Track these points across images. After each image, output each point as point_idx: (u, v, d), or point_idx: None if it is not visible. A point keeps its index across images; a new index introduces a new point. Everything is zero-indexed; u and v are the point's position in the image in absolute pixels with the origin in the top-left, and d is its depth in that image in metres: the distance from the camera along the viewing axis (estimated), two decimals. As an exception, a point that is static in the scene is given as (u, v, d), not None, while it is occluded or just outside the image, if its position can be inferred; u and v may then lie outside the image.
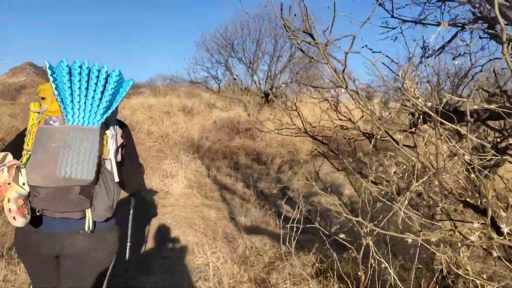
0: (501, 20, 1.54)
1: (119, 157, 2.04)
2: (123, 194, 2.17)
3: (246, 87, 14.52)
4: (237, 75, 14.03)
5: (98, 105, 1.86)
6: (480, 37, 3.82)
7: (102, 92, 1.87)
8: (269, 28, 13.56)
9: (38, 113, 1.90)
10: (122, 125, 2.11)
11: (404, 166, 4.84)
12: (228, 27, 13.61)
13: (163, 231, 4.86)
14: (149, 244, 4.44)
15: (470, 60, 4.37)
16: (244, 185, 7.77)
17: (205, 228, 5.00)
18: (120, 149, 2.05)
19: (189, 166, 8.60)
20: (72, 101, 1.83)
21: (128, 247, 2.31)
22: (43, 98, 1.95)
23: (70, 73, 1.84)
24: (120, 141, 2.02)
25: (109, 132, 1.95)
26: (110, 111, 1.90)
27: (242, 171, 9.41)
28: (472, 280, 2.36)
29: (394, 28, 4.02)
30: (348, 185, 8.62)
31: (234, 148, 11.05)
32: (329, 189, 7.76)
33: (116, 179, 1.96)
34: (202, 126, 12.31)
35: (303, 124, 4.60)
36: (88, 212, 1.89)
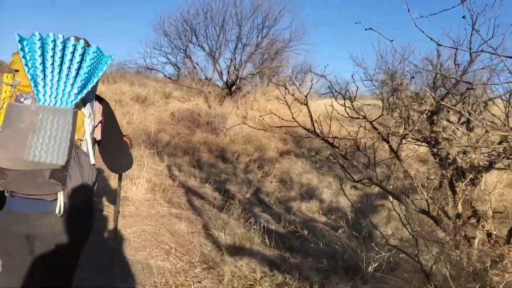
0: None
1: (98, 136, 1.96)
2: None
3: (207, 76, 13.46)
4: (197, 63, 12.98)
5: (72, 84, 1.75)
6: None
7: (77, 70, 1.75)
8: (234, 14, 12.58)
9: (11, 86, 1.80)
10: (100, 100, 1.99)
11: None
12: (190, 10, 12.49)
13: (123, 253, 3.83)
14: (104, 275, 3.39)
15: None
16: (213, 188, 6.82)
17: (177, 248, 4.03)
18: (100, 125, 1.96)
19: (148, 164, 7.52)
20: (43, 78, 1.71)
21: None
22: (16, 71, 1.82)
23: (42, 47, 1.70)
24: (99, 118, 1.93)
25: (86, 111, 1.85)
26: (85, 91, 1.78)
27: (207, 170, 8.44)
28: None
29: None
30: (324, 187, 7.90)
31: (196, 143, 10.03)
32: (304, 193, 6.95)
33: (92, 162, 1.87)
34: (158, 118, 11.17)
35: (313, 124, 3.74)
36: (60, 195, 1.79)
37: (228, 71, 13.33)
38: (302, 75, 15.99)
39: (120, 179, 2.82)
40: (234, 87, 12.97)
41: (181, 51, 12.50)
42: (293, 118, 4.07)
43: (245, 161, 9.60)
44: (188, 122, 11.31)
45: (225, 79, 13.25)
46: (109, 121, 2.01)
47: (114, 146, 2.08)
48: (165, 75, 12.39)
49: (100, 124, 1.95)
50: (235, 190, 7.20)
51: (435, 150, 3.86)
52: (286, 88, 4.04)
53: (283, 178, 8.10)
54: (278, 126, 4.18)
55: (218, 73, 13.18)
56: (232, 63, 13.17)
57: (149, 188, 5.70)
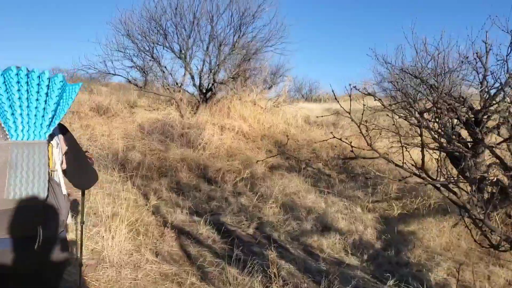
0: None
1: (64, 165, 1.98)
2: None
3: (177, 81, 11.98)
4: (165, 67, 11.46)
5: (43, 116, 1.76)
6: None
7: (46, 101, 1.76)
8: (206, 10, 11.18)
9: None
10: (62, 129, 2.01)
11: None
12: (157, 6, 10.94)
13: None
14: None
15: None
16: (205, 223, 5.44)
17: None
18: (65, 154, 1.98)
19: (121, 195, 6.09)
20: (12, 114, 1.69)
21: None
22: None
23: (4, 82, 1.69)
24: (64, 148, 1.95)
25: (54, 141, 1.87)
26: (57, 121, 1.81)
27: (191, 196, 7.06)
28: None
29: None
30: (335, 212, 6.69)
31: (173, 161, 8.59)
32: (317, 223, 5.70)
33: (64, 192, 1.88)
34: (125, 132, 9.64)
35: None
36: (39, 230, 1.73)
37: (200, 75, 11.91)
38: (280, 77, 14.74)
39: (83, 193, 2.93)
40: (209, 93, 11.56)
41: (147, 53, 10.99)
42: (368, 145, 3.00)
43: (231, 180, 8.26)
44: (160, 136, 9.84)
45: (198, 84, 11.81)
46: (72, 147, 1.99)
47: (79, 169, 2.06)
48: (130, 81, 10.84)
49: (65, 153, 1.95)
50: (232, 223, 5.87)
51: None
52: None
53: (284, 202, 6.82)
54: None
55: (191, 77, 11.73)
56: (205, 65, 11.78)
57: (129, 236, 4.27)
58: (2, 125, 1.69)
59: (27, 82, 1.70)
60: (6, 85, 1.67)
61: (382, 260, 4.95)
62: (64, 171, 1.96)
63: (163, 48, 11.33)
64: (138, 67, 10.74)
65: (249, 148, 10.46)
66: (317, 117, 11.24)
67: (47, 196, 1.72)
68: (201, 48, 11.76)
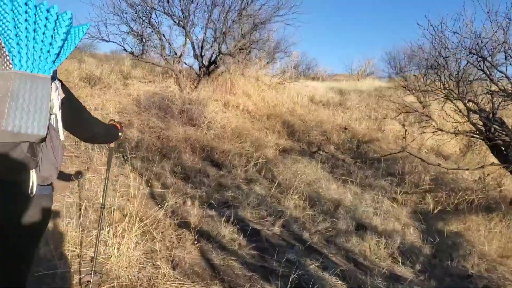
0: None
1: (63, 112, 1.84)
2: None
3: (176, 52, 10.92)
4: (163, 35, 10.38)
5: (49, 51, 1.65)
6: None
7: (52, 37, 1.65)
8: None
9: None
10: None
11: None
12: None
13: None
14: None
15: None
16: (225, 221, 4.57)
17: None
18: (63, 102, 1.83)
19: (119, 180, 5.23)
20: (18, 43, 1.58)
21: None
22: None
23: (12, 10, 1.58)
24: (62, 95, 1.80)
25: (53, 84, 1.72)
26: (63, 58, 1.72)
27: (198, 182, 6.19)
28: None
29: None
30: (364, 206, 5.88)
31: (174, 140, 7.67)
32: (350, 221, 4.89)
33: (62, 137, 1.80)
34: (119, 106, 8.65)
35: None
36: (33, 174, 1.70)
37: (202, 45, 10.86)
38: (280, 52, 13.71)
39: (109, 160, 2.92)
40: (212, 66, 10.52)
41: (146, 19, 9.88)
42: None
43: (241, 164, 7.39)
44: (159, 111, 8.87)
45: (199, 55, 10.76)
46: (71, 95, 1.88)
47: (84, 117, 1.99)
48: (125, 49, 9.76)
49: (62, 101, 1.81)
50: (253, 219, 5.02)
51: None
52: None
53: (306, 193, 5.97)
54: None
55: (192, 47, 10.67)
56: (208, 34, 10.71)
57: (139, 243, 3.39)
58: (6, 53, 1.57)
59: (35, 14, 1.61)
60: (14, 12, 1.57)
61: (440, 272, 4.16)
62: (65, 117, 1.82)
63: (163, 14, 10.20)
64: (135, 34, 9.64)
65: (256, 128, 9.56)
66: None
67: (47, 134, 1.63)
68: (203, 16, 10.67)
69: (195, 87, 10.64)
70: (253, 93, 11.81)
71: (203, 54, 10.77)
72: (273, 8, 10.24)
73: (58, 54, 1.68)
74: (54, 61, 1.67)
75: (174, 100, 9.49)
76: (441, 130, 6.95)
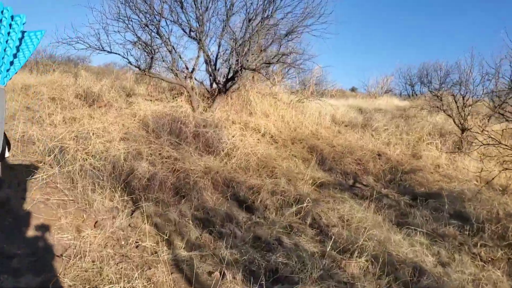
0: None
1: None
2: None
3: (188, 66, 9.60)
4: (173, 47, 9.05)
5: (3, 58, 1.51)
6: None
7: (7, 41, 1.51)
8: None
9: None
10: None
11: None
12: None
13: None
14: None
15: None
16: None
17: None
18: None
19: (129, 237, 3.87)
20: None
21: None
22: None
23: None
24: None
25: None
26: (17, 68, 1.62)
27: (229, 234, 4.82)
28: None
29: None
30: (454, 272, 4.51)
31: (192, 173, 6.29)
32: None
33: None
34: (124, 129, 7.27)
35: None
36: None
37: (216, 58, 9.54)
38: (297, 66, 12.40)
39: None
40: (230, 82, 9.17)
41: (153, 27, 8.56)
42: None
43: (276, 206, 6.03)
44: (170, 136, 7.50)
45: (213, 69, 9.43)
46: None
47: None
48: (130, 62, 8.42)
49: None
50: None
51: None
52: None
53: (373, 254, 4.59)
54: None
55: (207, 61, 9.35)
56: (223, 47, 9.41)
57: None
58: None
59: None
60: None
61: None
62: None
63: (173, 23, 8.88)
64: (144, 44, 8.30)
65: (282, 156, 8.22)
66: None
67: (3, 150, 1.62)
68: (220, 25, 9.36)
69: (209, 107, 9.30)
70: (272, 113, 10.50)
71: (218, 68, 9.45)
72: (299, 17, 8.94)
73: (12, 63, 1.55)
74: (8, 70, 1.53)
75: (187, 123, 8.13)
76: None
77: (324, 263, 4.34)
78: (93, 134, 6.56)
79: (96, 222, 4.44)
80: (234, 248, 4.39)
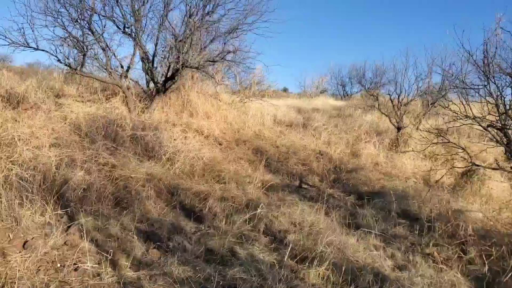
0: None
1: None
2: None
3: (122, 64, 9.00)
4: (107, 44, 8.41)
5: None
6: None
7: None
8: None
9: None
10: None
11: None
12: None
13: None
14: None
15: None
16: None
17: None
18: None
19: (65, 258, 3.42)
20: None
21: None
22: None
23: None
24: None
25: None
26: None
27: (178, 247, 4.48)
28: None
29: None
30: (414, 276, 4.46)
31: (132, 181, 5.82)
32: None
33: None
34: (54, 134, 6.61)
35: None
36: None
37: (153, 56, 9.02)
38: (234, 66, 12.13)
39: None
40: (170, 82, 8.69)
41: (85, 23, 7.86)
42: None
43: (225, 213, 5.72)
44: (106, 140, 6.94)
45: (150, 68, 8.91)
46: None
47: None
48: (59, 60, 7.67)
49: None
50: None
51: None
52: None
53: (332, 260, 4.41)
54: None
55: (144, 59, 8.80)
56: (160, 44, 8.91)
57: None
58: None
59: None
60: None
61: None
62: None
63: (105, 18, 8.23)
64: (74, 40, 7.60)
65: (228, 159, 7.91)
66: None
67: None
68: (157, 21, 8.84)
69: (147, 108, 8.77)
70: (214, 113, 10.15)
71: (155, 67, 8.94)
72: (241, 14, 8.64)
73: None
74: None
75: (124, 125, 7.59)
76: (476, 165, 5.74)
77: (283, 274, 4.09)
78: (19, 139, 5.87)
79: (25, 242, 3.88)
80: (186, 264, 4.02)
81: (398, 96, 11.62)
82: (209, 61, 8.00)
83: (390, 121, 12.01)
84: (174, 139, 7.49)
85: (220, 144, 8.78)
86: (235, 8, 8.62)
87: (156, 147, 7.28)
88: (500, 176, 8.80)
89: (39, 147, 5.88)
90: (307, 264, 4.33)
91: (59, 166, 5.41)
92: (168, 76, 8.42)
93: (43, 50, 7.49)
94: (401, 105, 11.51)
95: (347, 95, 25.26)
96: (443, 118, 14.78)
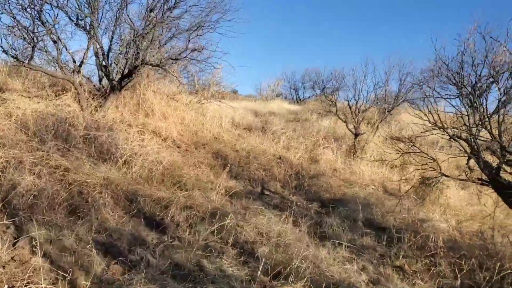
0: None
1: None
2: None
3: (75, 59, 8.40)
4: (58, 37, 7.78)
5: None
6: None
7: None
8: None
9: None
10: None
11: None
12: None
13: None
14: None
15: None
16: None
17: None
18: None
19: (14, 272, 3.00)
20: None
21: None
22: None
23: None
24: None
25: None
26: None
27: (140, 260, 4.12)
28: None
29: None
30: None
31: (87, 186, 5.35)
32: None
33: None
34: (-2, 132, 6.00)
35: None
36: None
37: (108, 51, 8.50)
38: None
39: None
40: (126, 79, 8.19)
41: (35, 12, 7.22)
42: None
43: (189, 222, 5.38)
44: (58, 140, 6.40)
45: (104, 64, 8.38)
46: None
47: None
48: (5, 51, 6.96)
49: None
50: None
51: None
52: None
53: (305, 275, 4.20)
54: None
55: (98, 54, 8.24)
56: (116, 38, 8.40)
57: None
58: None
59: None
60: None
61: None
62: None
63: (56, 8, 7.62)
64: (24, 30, 6.94)
65: (188, 163, 7.54)
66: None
67: None
68: (110, 14, 8.33)
69: (100, 106, 8.23)
70: (171, 114, 9.72)
71: (111, 62, 8.42)
72: (204, 11, 8.30)
73: None
74: None
75: (76, 124, 7.05)
76: (446, 176, 5.74)
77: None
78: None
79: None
80: (152, 282, 3.66)
81: (356, 103, 11.67)
82: (171, 59, 7.58)
83: (347, 127, 12.05)
84: (131, 141, 7.01)
85: (178, 147, 8.38)
86: (197, 5, 8.28)
87: (112, 149, 6.79)
88: (454, 184, 8.99)
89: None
90: (281, 280, 4.10)
91: (5, 169, 4.86)
92: (124, 73, 7.92)
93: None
94: (359, 112, 11.56)
95: (300, 100, 25.38)
96: (396, 126, 15.16)
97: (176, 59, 7.56)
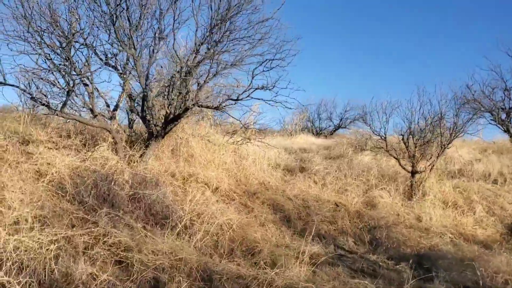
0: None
1: None
2: None
3: (108, 103, 7.37)
4: (88, 79, 6.73)
5: None
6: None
7: None
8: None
9: None
10: None
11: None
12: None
13: None
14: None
15: None
16: None
17: None
18: None
19: None
20: None
21: None
22: None
23: None
24: None
25: None
26: None
27: None
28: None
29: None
30: None
31: (157, 272, 4.21)
32: None
33: None
34: (29, 197, 4.88)
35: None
36: None
37: (145, 92, 7.47)
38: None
39: None
40: (171, 125, 7.12)
41: (62, 51, 6.19)
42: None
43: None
44: (105, 204, 5.28)
45: (141, 108, 7.35)
46: None
47: None
48: (33, 98, 5.86)
49: None
50: None
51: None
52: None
53: None
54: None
55: (131, 97, 7.21)
56: (148, 77, 7.38)
57: None
58: None
59: None
60: None
61: None
62: None
63: (84, 46, 6.61)
64: (62, 73, 5.89)
65: (251, 222, 6.39)
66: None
67: None
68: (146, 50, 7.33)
69: (140, 156, 7.16)
70: (211, 159, 8.63)
71: (153, 104, 7.37)
72: (251, 43, 7.27)
73: None
74: None
75: (120, 182, 5.95)
76: None
77: None
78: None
79: None
80: None
81: (413, 137, 10.60)
82: (231, 99, 6.52)
83: (400, 164, 10.94)
84: (190, 200, 5.89)
85: (232, 199, 7.27)
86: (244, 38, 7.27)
87: (165, 211, 5.68)
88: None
89: (18, 222, 4.17)
90: None
91: (58, 257, 3.73)
92: (170, 117, 6.85)
93: (12, 85, 5.75)
94: (416, 147, 10.48)
95: (321, 131, 24.37)
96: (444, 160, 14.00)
97: (237, 100, 6.48)
